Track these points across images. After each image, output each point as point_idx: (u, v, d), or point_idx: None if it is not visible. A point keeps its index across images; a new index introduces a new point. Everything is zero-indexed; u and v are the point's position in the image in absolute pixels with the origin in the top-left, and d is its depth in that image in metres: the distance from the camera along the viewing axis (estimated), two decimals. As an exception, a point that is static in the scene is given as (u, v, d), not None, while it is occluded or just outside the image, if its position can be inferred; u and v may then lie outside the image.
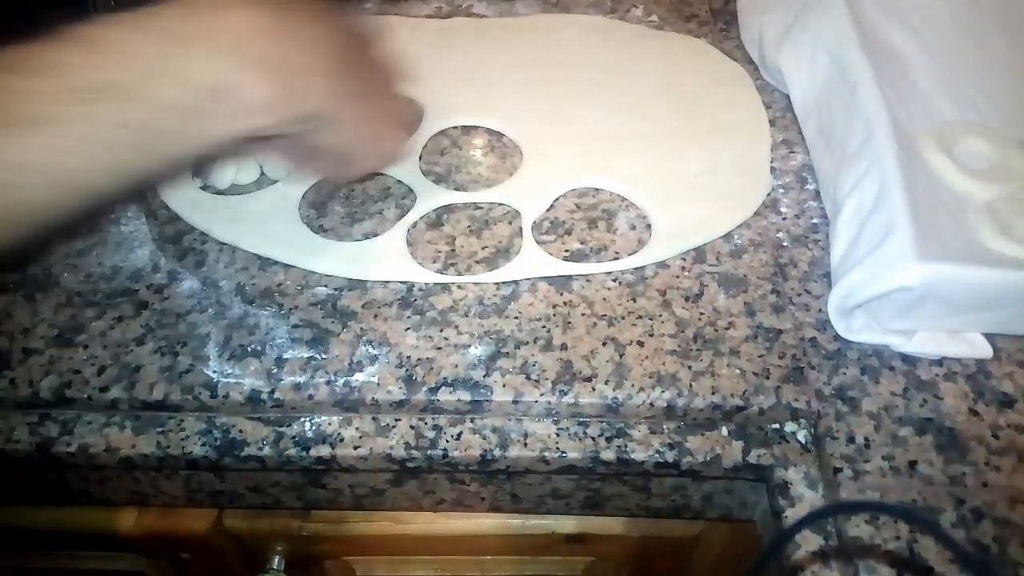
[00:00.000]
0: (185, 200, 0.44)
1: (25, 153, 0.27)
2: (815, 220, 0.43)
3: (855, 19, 0.44)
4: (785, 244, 0.42)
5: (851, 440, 0.35)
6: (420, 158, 0.47)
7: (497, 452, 0.36)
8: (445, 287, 0.40)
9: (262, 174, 0.46)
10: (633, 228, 0.43)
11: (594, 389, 0.36)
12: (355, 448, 0.36)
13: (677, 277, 0.41)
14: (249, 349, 0.38)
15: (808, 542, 0.33)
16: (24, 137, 0.27)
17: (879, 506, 0.32)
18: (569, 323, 0.39)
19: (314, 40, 0.31)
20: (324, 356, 0.37)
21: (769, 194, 0.44)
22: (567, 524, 0.47)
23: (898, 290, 0.34)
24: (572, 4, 0.57)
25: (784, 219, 0.43)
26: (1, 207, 0.28)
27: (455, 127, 0.49)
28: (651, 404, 0.36)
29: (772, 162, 0.46)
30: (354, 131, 0.35)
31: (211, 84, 0.28)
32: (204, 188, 0.45)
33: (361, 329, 0.39)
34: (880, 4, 0.47)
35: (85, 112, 0.27)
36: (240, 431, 0.37)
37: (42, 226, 0.29)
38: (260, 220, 0.43)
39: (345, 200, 0.45)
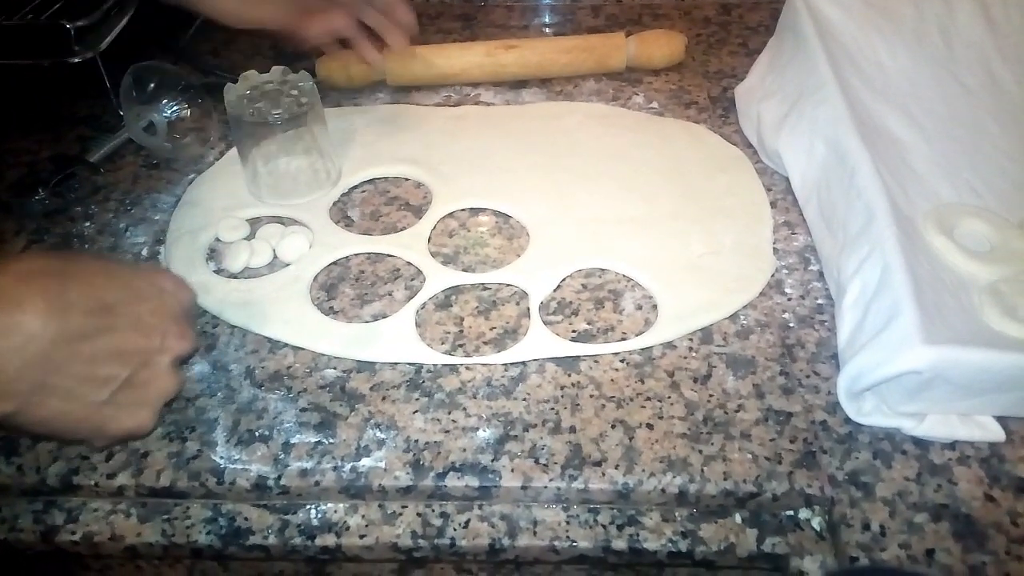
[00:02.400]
0: (198, 284, 0.45)
1: None
2: (820, 301, 0.44)
3: (851, 106, 0.45)
4: (791, 325, 0.43)
5: (866, 527, 0.34)
6: (429, 240, 0.48)
7: (506, 541, 0.35)
8: (453, 368, 0.41)
9: (274, 258, 0.47)
10: (639, 308, 0.43)
11: (604, 474, 0.36)
12: (361, 537, 0.36)
13: (685, 358, 0.41)
14: (257, 434, 0.38)
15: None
16: None
17: (893, 572, 0.32)
18: (577, 405, 0.39)
19: (16, 340, 0.30)
20: (331, 440, 0.37)
21: (773, 275, 0.45)
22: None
23: (906, 373, 0.34)
24: (576, 93, 0.59)
25: (789, 300, 0.44)
26: None
27: (463, 209, 0.50)
28: (662, 490, 0.35)
29: (775, 243, 0.47)
30: (62, 424, 0.33)
31: None
32: (217, 272, 0.46)
33: (369, 412, 0.39)
34: (875, 92, 0.49)
35: None
36: (246, 519, 0.37)
37: None
38: (271, 303, 0.44)
39: (355, 282, 0.45)
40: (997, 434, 0.36)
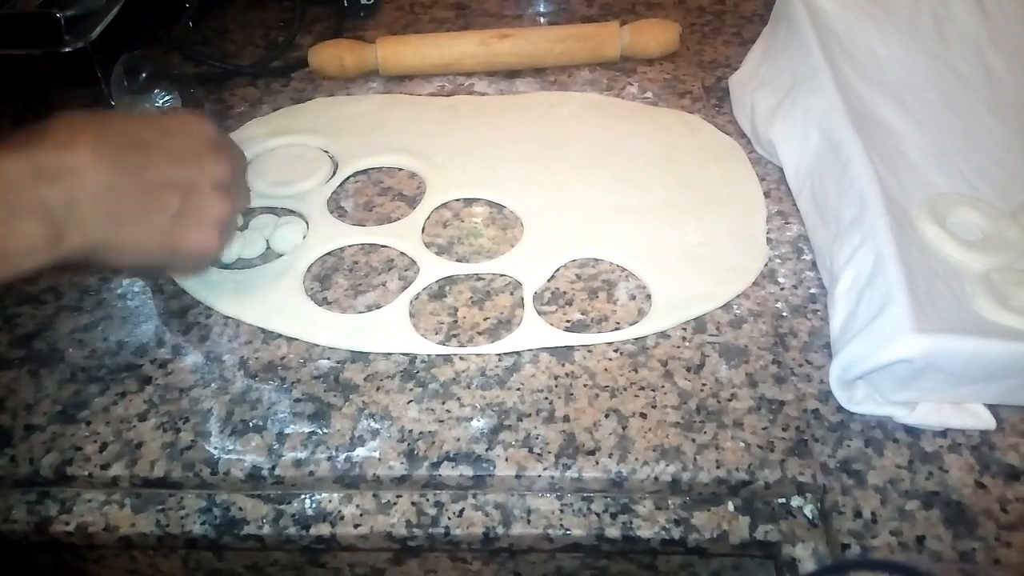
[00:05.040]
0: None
1: None
2: (813, 290, 0.44)
3: (844, 95, 0.45)
4: (784, 314, 0.43)
5: (858, 515, 0.34)
6: (423, 230, 0.48)
7: (500, 530, 0.35)
8: (447, 359, 0.41)
9: (268, 248, 0.47)
10: (633, 298, 0.43)
11: (597, 463, 0.36)
12: (355, 526, 0.36)
13: (678, 347, 0.41)
14: (251, 424, 0.38)
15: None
16: None
17: (888, 564, 0.32)
18: (571, 394, 0.39)
19: (83, 178, 0.33)
20: (326, 431, 0.37)
21: (766, 265, 0.45)
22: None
23: (898, 362, 0.35)
24: (570, 82, 0.59)
25: (782, 289, 0.44)
26: None
27: (457, 200, 0.50)
28: (656, 478, 0.36)
29: (768, 233, 0.47)
30: (140, 252, 0.37)
31: None
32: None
33: (363, 402, 0.39)
34: (868, 81, 0.49)
35: None
36: (240, 509, 0.37)
37: None
38: (265, 293, 0.44)
39: (349, 272, 0.45)
40: (988, 422, 0.37)
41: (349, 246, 0.47)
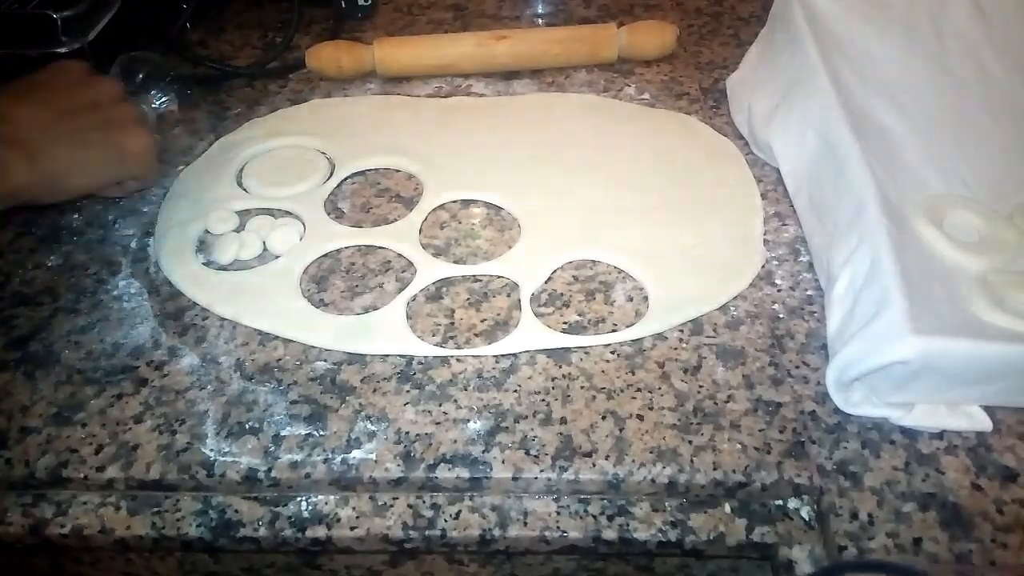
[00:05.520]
0: (187, 276, 0.45)
1: None
2: (810, 292, 0.44)
3: (841, 97, 0.45)
4: (781, 316, 0.43)
5: (854, 517, 0.34)
6: (420, 232, 0.48)
7: (496, 532, 0.35)
8: (444, 360, 0.41)
9: (264, 250, 0.47)
10: (630, 300, 0.43)
11: (594, 465, 0.36)
12: (352, 529, 0.36)
13: (675, 349, 0.41)
14: (247, 426, 0.38)
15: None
16: None
17: (885, 566, 0.32)
18: (568, 396, 0.39)
19: (31, 118, 0.41)
20: (322, 433, 0.37)
21: (763, 266, 0.45)
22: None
23: (895, 363, 0.35)
24: (568, 84, 0.59)
25: (779, 291, 0.44)
26: None
27: (454, 201, 0.50)
28: (652, 480, 0.36)
29: (765, 235, 0.47)
30: (91, 170, 0.44)
31: None
32: (207, 264, 0.46)
33: (360, 404, 0.39)
34: (865, 82, 0.49)
35: None
36: (236, 511, 0.37)
37: None
38: (261, 295, 0.44)
39: (346, 274, 0.45)
40: (984, 424, 0.37)
41: (346, 247, 0.47)
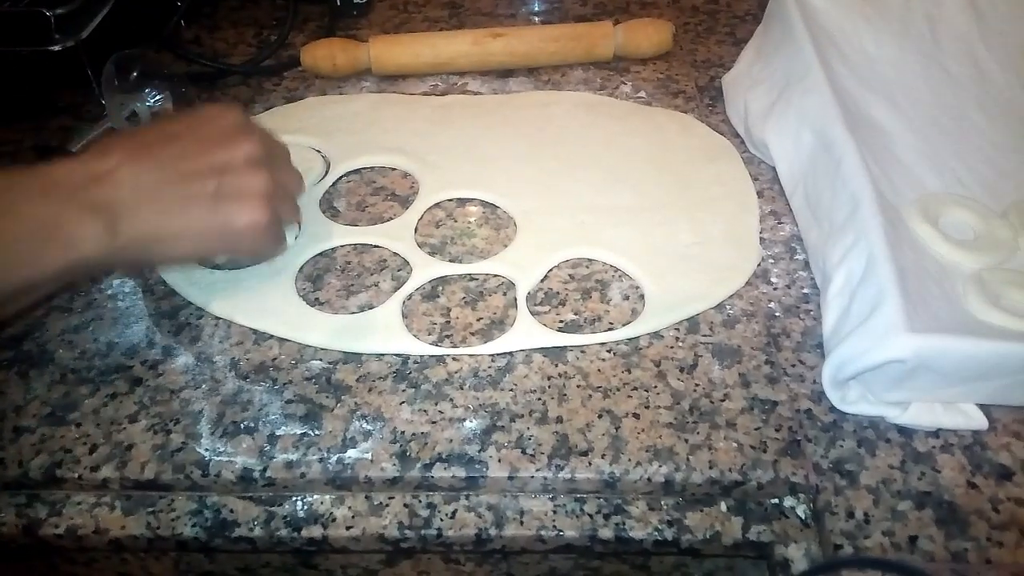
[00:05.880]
0: (182, 275, 0.45)
1: None
2: (806, 290, 0.44)
3: (837, 96, 0.45)
4: (777, 314, 0.43)
5: (850, 515, 0.34)
6: (416, 230, 0.47)
7: (493, 531, 0.35)
8: (440, 359, 0.40)
9: (259, 248, 0.46)
10: (626, 298, 0.43)
11: (590, 464, 0.36)
12: (347, 528, 0.36)
13: (671, 348, 0.41)
14: (242, 426, 0.38)
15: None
16: None
17: (880, 563, 0.32)
18: (564, 395, 0.39)
19: (126, 177, 0.36)
20: (317, 432, 0.37)
21: (759, 264, 0.45)
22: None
23: (890, 362, 0.35)
24: (563, 82, 0.59)
25: (775, 289, 0.44)
26: None
27: (450, 200, 0.50)
28: (648, 479, 0.36)
29: (761, 233, 0.47)
30: (196, 238, 0.38)
31: (43, 221, 0.34)
32: (201, 263, 0.45)
33: (355, 404, 0.38)
34: (861, 81, 0.49)
35: None
36: (231, 511, 0.36)
37: None
38: (256, 294, 0.43)
39: (341, 273, 0.45)
40: (980, 422, 0.37)
41: (341, 246, 0.47)
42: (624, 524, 0.35)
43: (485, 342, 0.41)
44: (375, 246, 0.47)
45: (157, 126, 0.41)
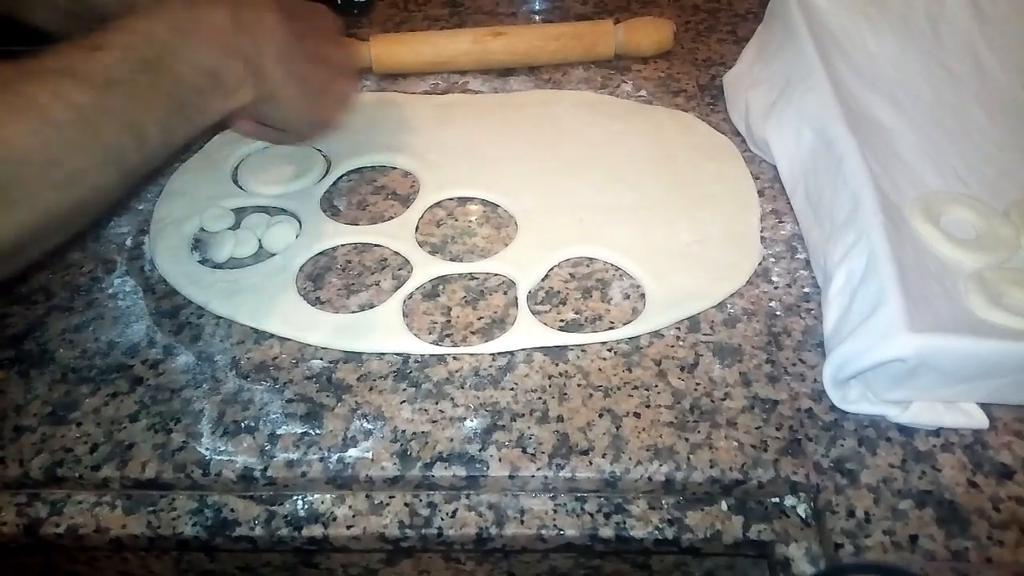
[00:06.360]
0: (183, 274, 0.45)
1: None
2: (807, 289, 0.44)
3: (838, 94, 0.45)
4: (778, 313, 0.43)
5: (851, 514, 0.34)
6: (416, 229, 0.47)
7: (493, 530, 0.35)
8: (441, 358, 0.40)
9: (260, 247, 0.46)
10: (627, 297, 0.43)
11: (591, 463, 0.36)
12: (348, 527, 0.36)
13: (672, 347, 0.41)
14: (243, 425, 0.38)
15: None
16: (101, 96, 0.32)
17: (880, 568, 0.32)
18: (565, 394, 0.39)
19: (270, 33, 0.38)
20: (318, 431, 0.37)
21: (760, 263, 0.45)
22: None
23: (891, 361, 0.35)
24: (564, 81, 0.59)
25: (776, 288, 0.44)
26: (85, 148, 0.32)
27: (451, 199, 0.50)
28: (649, 478, 0.36)
29: (762, 232, 0.47)
30: (296, 109, 0.42)
31: (209, 68, 0.35)
32: (202, 262, 0.46)
33: (356, 403, 0.38)
34: (862, 79, 0.49)
35: (138, 80, 0.33)
36: (232, 510, 0.36)
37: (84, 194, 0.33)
38: (257, 293, 0.43)
39: (342, 272, 0.45)
40: (981, 421, 0.37)
41: (342, 245, 0.47)
42: (625, 523, 0.35)
43: (486, 341, 0.41)
44: (376, 245, 0.47)
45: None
